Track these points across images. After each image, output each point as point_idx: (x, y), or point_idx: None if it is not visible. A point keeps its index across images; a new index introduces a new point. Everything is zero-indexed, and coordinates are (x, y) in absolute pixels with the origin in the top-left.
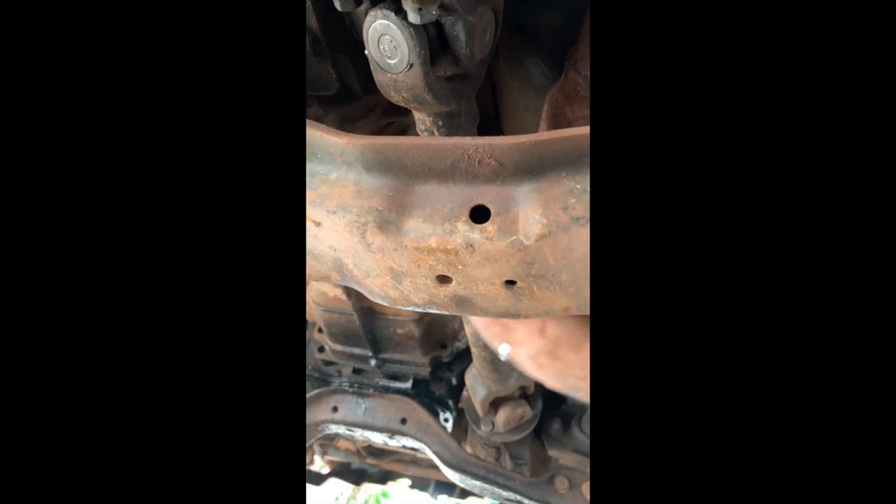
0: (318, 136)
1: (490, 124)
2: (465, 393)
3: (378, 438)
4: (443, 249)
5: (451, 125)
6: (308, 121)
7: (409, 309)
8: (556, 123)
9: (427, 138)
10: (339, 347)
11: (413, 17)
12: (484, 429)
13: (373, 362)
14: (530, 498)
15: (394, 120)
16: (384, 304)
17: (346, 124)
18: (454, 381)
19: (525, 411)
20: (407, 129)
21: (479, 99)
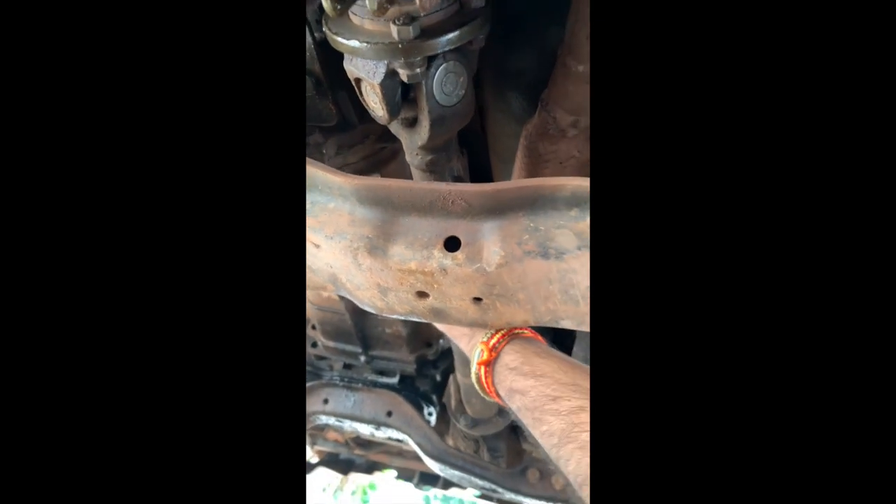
0: (321, 175)
1: (476, 140)
2: (447, 389)
3: (365, 430)
4: (421, 271)
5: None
6: (312, 160)
7: (394, 317)
8: (530, 155)
9: (410, 182)
10: (331, 344)
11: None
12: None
13: (362, 358)
14: (504, 486)
15: (385, 145)
16: (372, 311)
17: (343, 149)
18: (438, 378)
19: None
20: (397, 152)
21: None
